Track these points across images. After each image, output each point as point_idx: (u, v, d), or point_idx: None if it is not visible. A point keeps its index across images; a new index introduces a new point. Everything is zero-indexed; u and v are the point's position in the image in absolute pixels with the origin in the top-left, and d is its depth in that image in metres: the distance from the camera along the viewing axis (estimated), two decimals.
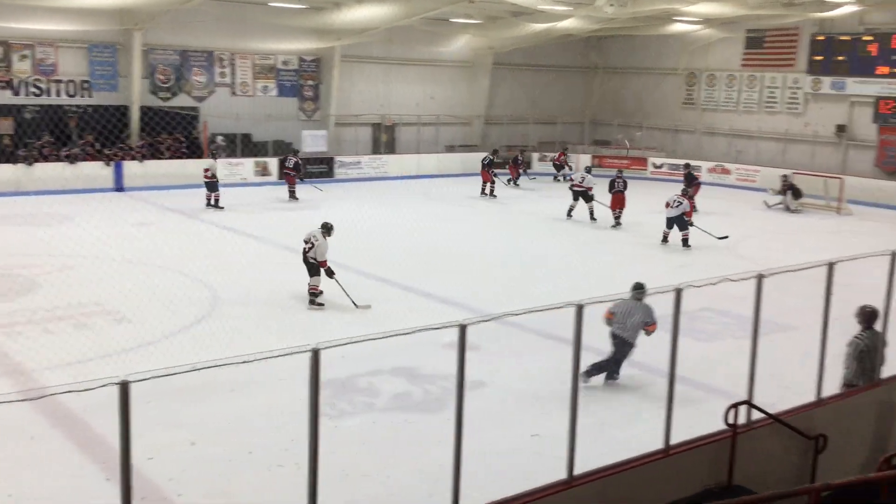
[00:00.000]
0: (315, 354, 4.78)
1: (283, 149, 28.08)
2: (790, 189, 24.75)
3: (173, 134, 25.76)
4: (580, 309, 5.87)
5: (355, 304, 12.67)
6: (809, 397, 7.89)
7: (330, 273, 12.72)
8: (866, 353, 8.32)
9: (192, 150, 26.02)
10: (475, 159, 31.47)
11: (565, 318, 5.95)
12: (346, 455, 7.71)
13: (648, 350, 9.84)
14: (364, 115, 30.30)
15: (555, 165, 30.14)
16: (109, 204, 20.92)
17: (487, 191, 25.74)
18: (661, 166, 31.16)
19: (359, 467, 7.60)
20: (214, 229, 18.13)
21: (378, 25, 26.27)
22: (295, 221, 19.94)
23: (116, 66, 25.21)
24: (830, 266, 7.67)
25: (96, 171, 23.68)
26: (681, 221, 18.43)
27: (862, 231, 21.55)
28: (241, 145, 26.99)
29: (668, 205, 18.56)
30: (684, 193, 19.09)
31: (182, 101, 26.61)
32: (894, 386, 8.57)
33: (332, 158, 28.30)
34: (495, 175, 25.99)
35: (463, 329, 5.33)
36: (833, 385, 8.44)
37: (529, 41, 30.69)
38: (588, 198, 21.37)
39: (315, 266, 12.78)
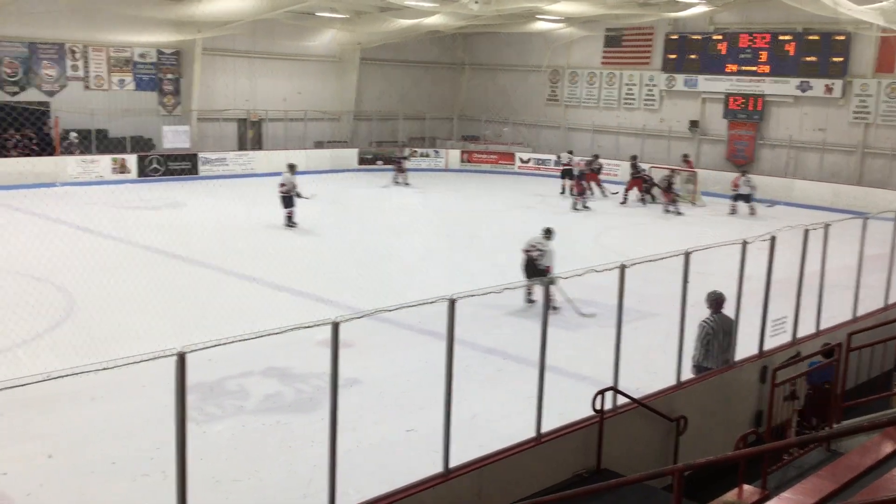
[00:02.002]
0: (181, 358, 4.60)
1: (141, 145, 27.01)
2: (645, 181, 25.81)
3: (22, 130, 24.32)
4: (452, 303, 5.92)
5: (581, 313, 12.16)
6: (671, 381, 8.26)
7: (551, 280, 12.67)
8: (713, 335, 8.80)
9: (43, 147, 24.64)
10: (345, 156, 31.32)
11: (438, 313, 5.97)
12: (215, 461, 7.49)
13: (520, 342, 10.03)
14: (228, 110, 29.53)
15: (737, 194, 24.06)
16: None
17: (580, 205, 23.65)
18: (527, 161, 31.87)
19: (229, 473, 7.39)
20: (69, 230, 17.21)
21: (241, 18, 25.60)
22: (152, 221, 19.23)
23: None
24: (687, 255, 8.06)
25: None
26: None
27: (715, 221, 22.71)
28: (97, 141, 25.77)
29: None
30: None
31: (31, 95, 25.12)
32: (745, 368, 9.09)
33: (195, 155, 27.42)
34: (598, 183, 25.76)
35: (336, 326, 5.27)
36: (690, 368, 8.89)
37: (397, 37, 30.68)
38: (572, 175, 24.84)
39: (541, 271, 12.64)
